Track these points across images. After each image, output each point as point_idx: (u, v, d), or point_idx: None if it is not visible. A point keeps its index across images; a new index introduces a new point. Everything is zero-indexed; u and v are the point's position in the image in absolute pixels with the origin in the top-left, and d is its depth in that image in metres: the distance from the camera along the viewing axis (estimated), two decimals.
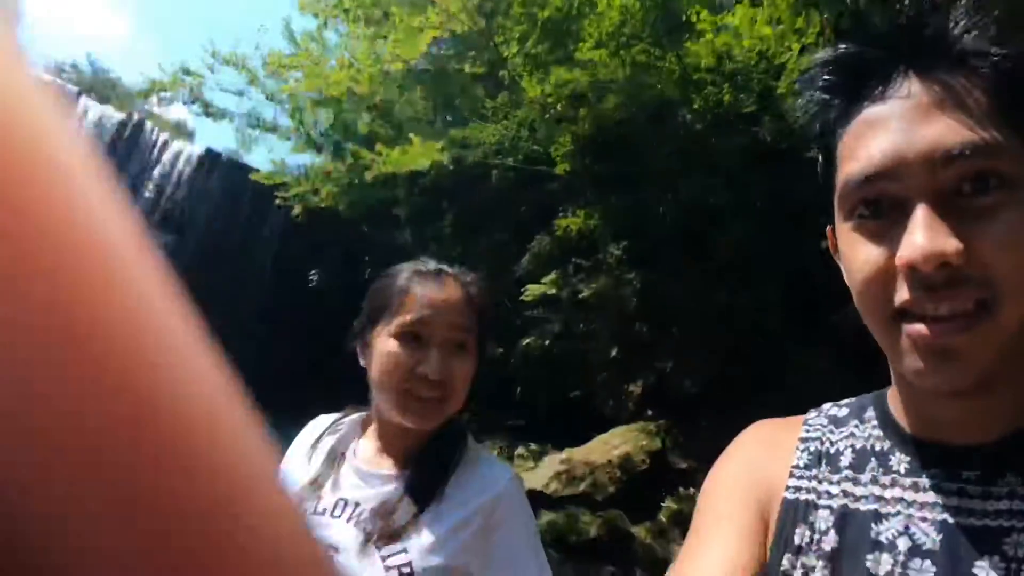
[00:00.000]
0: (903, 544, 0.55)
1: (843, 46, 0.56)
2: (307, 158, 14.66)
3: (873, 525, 0.57)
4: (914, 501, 0.56)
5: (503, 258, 10.36)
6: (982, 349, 0.49)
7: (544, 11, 6.52)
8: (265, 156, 17.26)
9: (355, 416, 1.10)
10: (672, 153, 6.90)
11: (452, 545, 0.92)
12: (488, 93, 9.92)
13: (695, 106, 6.57)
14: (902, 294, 0.50)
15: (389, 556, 0.90)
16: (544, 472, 6.69)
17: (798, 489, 0.63)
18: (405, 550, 0.90)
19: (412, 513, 0.93)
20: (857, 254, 0.53)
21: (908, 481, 0.57)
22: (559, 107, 7.49)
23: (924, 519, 0.55)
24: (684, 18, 6.18)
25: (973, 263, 0.48)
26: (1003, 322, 0.48)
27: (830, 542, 0.58)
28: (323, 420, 1.14)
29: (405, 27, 7.96)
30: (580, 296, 8.24)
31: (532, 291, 8.69)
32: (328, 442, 1.07)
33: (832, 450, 0.63)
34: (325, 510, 0.99)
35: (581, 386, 8.28)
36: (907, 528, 0.55)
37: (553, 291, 8.59)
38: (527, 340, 8.89)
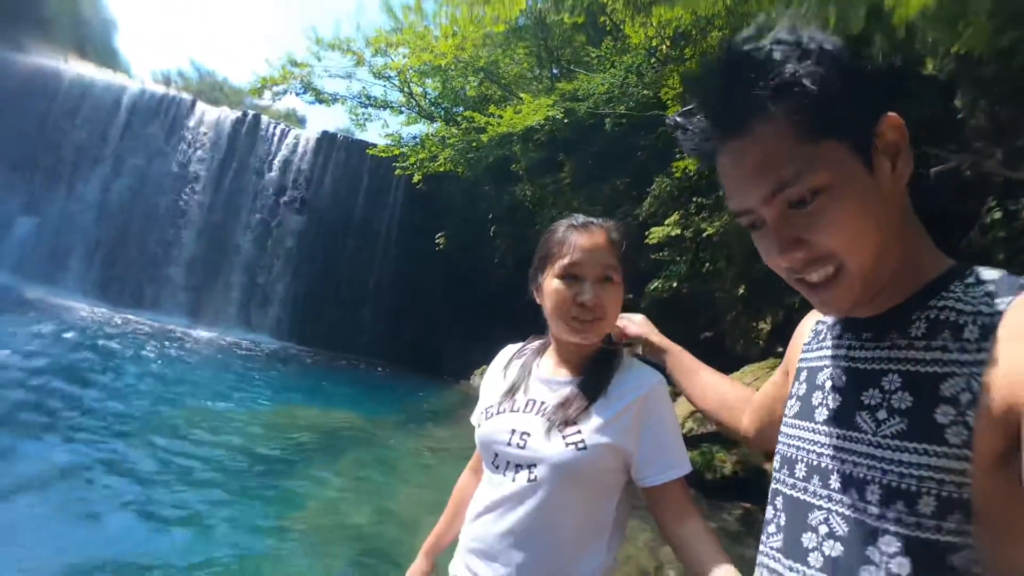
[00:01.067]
0: (827, 384, 0.79)
1: (687, 118, 0.74)
2: (421, 128, 15.68)
3: (819, 375, 0.82)
4: (835, 355, 0.79)
5: (624, 203, 10.67)
6: (848, 292, 0.70)
7: None
8: (379, 132, 18.57)
9: (535, 342, 1.43)
10: None
11: (613, 428, 1.19)
12: (589, 41, 10.16)
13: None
14: (789, 275, 0.74)
15: (567, 436, 1.19)
16: (679, 412, 7.20)
17: (803, 359, 0.89)
18: (580, 431, 1.18)
19: (584, 405, 1.21)
20: (761, 251, 0.76)
21: (834, 343, 0.81)
22: (664, 48, 7.63)
23: (839, 367, 0.78)
24: None
25: (818, 251, 0.68)
26: (853, 272, 0.69)
27: (802, 389, 0.85)
28: (511, 347, 1.48)
29: None
30: (704, 234, 8.36)
31: (655, 233, 8.93)
32: (517, 362, 1.40)
33: (820, 329, 0.89)
34: (519, 408, 1.30)
35: (711, 326, 8.46)
36: (831, 374, 0.79)
37: (676, 231, 8.76)
38: (654, 283, 9.12)
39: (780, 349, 7.21)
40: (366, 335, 16.76)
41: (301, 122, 39.21)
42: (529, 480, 1.23)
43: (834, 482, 0.74)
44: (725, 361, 7.47)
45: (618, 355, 1.31)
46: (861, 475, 0.71)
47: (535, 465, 1.23)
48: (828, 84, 0.65)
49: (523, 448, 1.25)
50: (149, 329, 13.90)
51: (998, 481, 0.61)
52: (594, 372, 1.27)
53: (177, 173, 17.42)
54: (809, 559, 0.75)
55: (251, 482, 5.26)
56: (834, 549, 0.72)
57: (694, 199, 8.90)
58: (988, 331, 0.64)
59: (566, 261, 1.24)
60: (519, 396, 1.34)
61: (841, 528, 0.72)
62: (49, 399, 6.62)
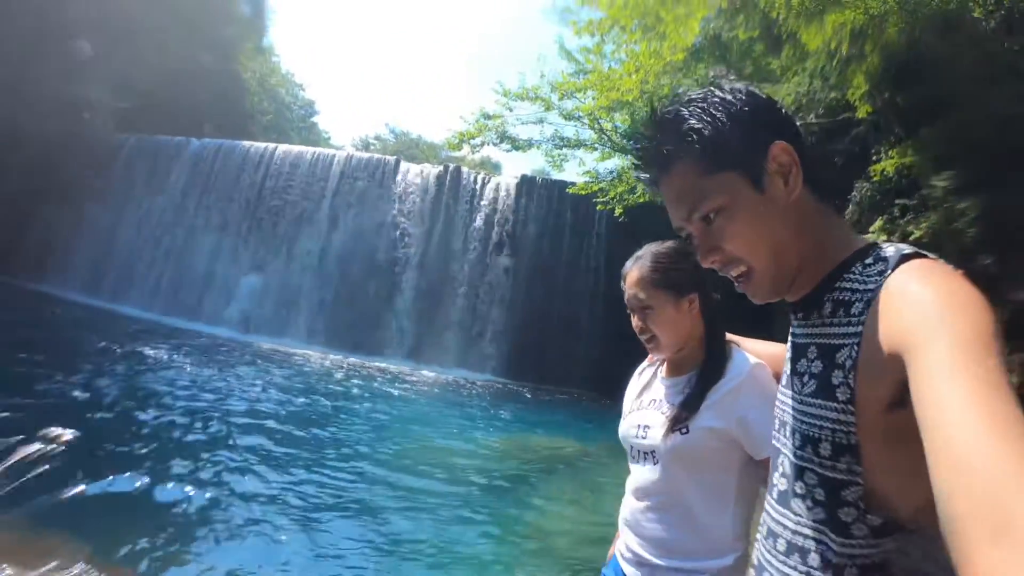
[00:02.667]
0: (789, 356, 1.04)
1: (634, 167, 1.06)
2: (615, 162, 16.63)
3: (787, 349, 1.08)
4: (790, 333, 1.04)
5: None
6: (759, 286, 0.96)
7: None
8: (576, 170, 20.08)
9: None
10: (971, 65, 6.91)
11: (713, 412, 1.53)
12: (768, 51, 10.52)
13: (976, 12, 6.58)
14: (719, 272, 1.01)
15: (675, 424, 1.56)
16: None
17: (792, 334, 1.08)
18: (685, 418, 1.55)
19: (686, 397, 1.59)
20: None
21: (790, 323, 1.04)
22: (843, 49, 7.92)
23: (790, 342, 1.03)
24: None
25: (726, 256, 0.95)
26: (761, 271, 0.94)
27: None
28: (642, 364, 1.92)
29: (674, 16, 9.24)
30: (912, 238, 8.16)
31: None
32: (648, 372, 1.84)
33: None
34: (644, 407, 1.72)
35: None
36: (789, 348, 1.04)
37: (883, 238, 8.52)
38: None
39: (1008, 350, 7.05)
40: (580, 367, 17.85)
41: (496, 168, 42.46)
42: (653, 463, 1.63)
43: (786, 432, 0.98)
44: None
45: (722, 350, 1.66)
46: (792, 425, 0.95)
47: (655, 451, 1.63)
48: (719, 130, 0.92)
49: (645, 439, 1.67)
50: (376, 372, 15.87)
51: (883, 426, 0.78)
52: (703, 369, 1.65)
53: (389, 226, 20.00)
54: (772, 492, 1.01)
55: (478, 505, 6.13)
56: (781, 483, 0.98)
57: (896, 202, 8.88)
58: (868, 305, 0.82)
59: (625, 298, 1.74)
60: (644, 397, 1.78)
61: (786, 468, 0.97)
62: (299, 437, 7.86)
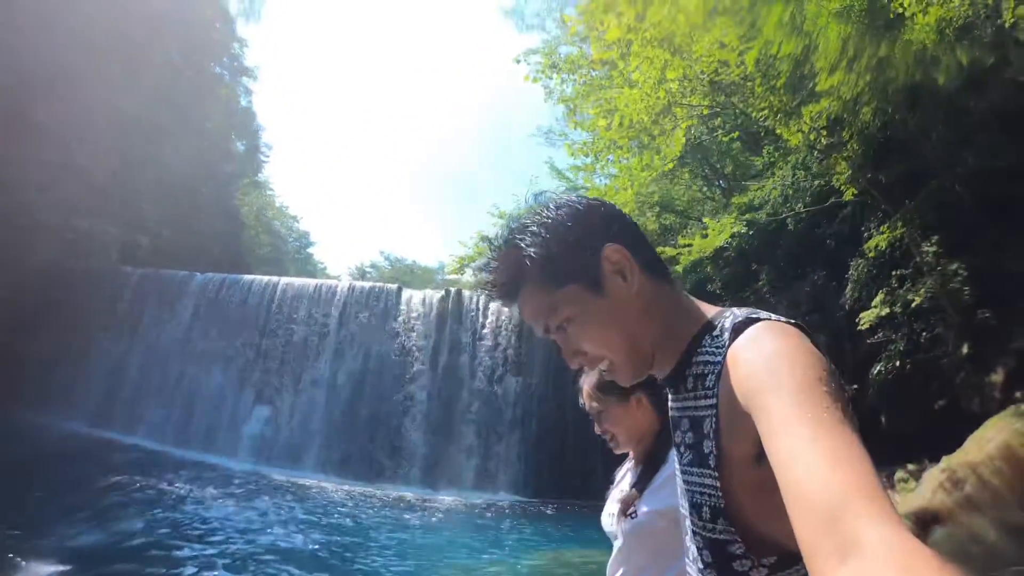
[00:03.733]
0: (672, 427, 1.10)
1: (488, 296, 1.13)
2: None
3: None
4: (669, 408, 1.12)
5: (826, 296, 11.43)
6: (623, 374, 1.06)
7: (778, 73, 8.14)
8: None
9: None
10: (942, 131, 7.73)
11: (661, 495, 1.70)
12: (747, 149, 11.58)
13: (941, 80, 7.33)
14: None
15: (629, 509, 1.77)
16: (927, 488, 7.04)
17: None
18: (635, 504, 1.76)
19: (640, 484, 1.80)
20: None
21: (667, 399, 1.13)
22: (823, 139, 8.82)
23: (670, 418, 1.11)
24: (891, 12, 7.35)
25: (589, 355, 1.05)
26: (619, 363, 1.04)
27: None
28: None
29: (660, 129, 10.23)
30: (913, 305, 8.85)
31: (866, 317, 9.56)
32: (627, 464, 2.06)
33: None
34: (613, 496, 1.95)
35: (943, 393, 8.75)
36: (671, 424, 1.11)
37: (886, 311, 9.31)
38: (876, 368, 9.63)
39: (1018, 395, 7.44)
40: (598, 478, 17.80)
41: None
42: (618, 545, 1.87)
43: (684, 500, 1.04)
44: (965, 424, 7.66)
45: (666, 439, 1.67)
46: (682, 491, 1.03)
47: (617, 535, 1.86)
48: (550, 250, 1.02)
49: (612, 525, 1.90)
50: (394, 500, 15.89)
51: (755, 480, 0.85)
52: (646, 459, 1.89)
53: (397, 354, 20.46)
54: (689, 554, 1.06)
55: None
56: (690, 549, 1.04)
57: (893, 273, 9.55)
58: (718, 376, 0.91)
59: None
60: (618, 487, 2.02)
61: (688, 531, 1.04)
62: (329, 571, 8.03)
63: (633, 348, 1.04)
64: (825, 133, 8.77)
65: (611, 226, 1.07)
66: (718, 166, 14.00)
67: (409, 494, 17.26)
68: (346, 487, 17.39)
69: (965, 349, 8.34)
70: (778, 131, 9.03)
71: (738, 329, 0.92)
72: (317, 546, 9.21)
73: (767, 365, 0.82)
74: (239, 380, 21.27)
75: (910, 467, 8.28)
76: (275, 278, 23.37)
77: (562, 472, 18.16)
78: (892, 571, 0.53)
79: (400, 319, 21.13)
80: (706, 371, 0.95)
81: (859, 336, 10.11)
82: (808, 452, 0.68)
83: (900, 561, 0.54)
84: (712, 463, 0.92)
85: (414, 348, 20.65)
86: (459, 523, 13.72)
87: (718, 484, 0.90)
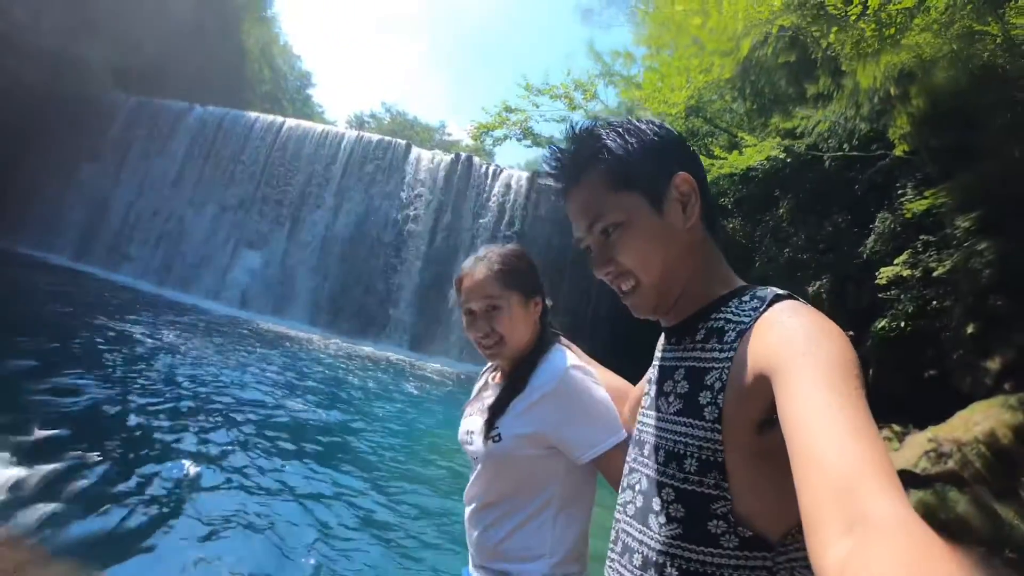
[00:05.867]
0: (653, 378, 1.16)
1: (544, 171, 1.18)
2: None
3: (652, 371, 1.20)
4: (658, 356, 1.17)
5: (846, 240, 11.73)
6: (644, 299, 1.09)
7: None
8: None
9: None
10: (1010, 119, 7.81)
11: (527, 418, 1.60)
12: (800, 81, 11.41)
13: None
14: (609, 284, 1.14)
15: (491, 431, 1.64)
16: (911, 452, 7.55)
17: (654, 360, 1.22)
18: (498, 426, 1.63)
19: (503, 404, 1.65)
20: (592, 268, 1.14)
21: (660, 347, 1.18)
22: (892, 89, 8.78)
23: (658, 364, 1.15)
24: None
25: (619, 268, 1.08)
26: (647, 286, 1.08)
27: (649, 383, 1.20)
28: (486, 366, 1.97)
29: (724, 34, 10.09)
30: (934, 274, 9.27)
31: (885, 273, 9.96)
32: (487, 375, 1.92)
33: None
34: (473, 412, 1.81)
35: (935, 364, 9.22)
36: (656, 370, 1.16)
37: (907, 271, 9.74)
38: (880, 322, 10.03)
39: (1007, 387, 7.89)
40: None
41: (490, 157, 43.54)
42: (477, 469, 1.73)
43: (646, 450, 1.08)
44: (948, 399, 8.21)
45: (538, 355, 1.71)
46: (655, 443, 1.05)
47: (478, 457, 1.71)
48: (630, 153, 1.07)
49: (471, 444, 1.75)
50: (381, 360, 16.44)
51: (751, 445, 0.89)
52: (513, 376, 1.70)
53: (396, 212, 20.69)
54: (628, 509, 1.10)
55: None
56: (637, 500, 1.07)
57: (920, 237, 9.87)
58: (741, 334, 0.94)
59: (461, 301, 1.77)
60: (476, 402, 1.84)
61: (644, 485, 1.06)
62: (315, 427, 8.01)
63: (666, 279, 1.07)
64: (894, 84, 8.72)
65: (688, 160, 1.11)
66: (761, 85, 13.76)
67: (397, 356, 17.94)
68: (333, 340, 18.00)
69: (970, 329, 8.76)
70: (855, 67, 8.92)
71: (774, 300, 0.96)
72: (308, 401, 9.33)
73: (805, 335, 0.84)
74: (231, 223, 21.38)
75: (895, 428, 8.71)
76: (279, 119, 23.06)
77: None
78: (898, 548, 0.55)
79: (406, 178, 21.16)
80: (726, 327, 0.98)
81: (867, 285, 10.50)
82: (830, 420, 0.70)
83: (907, 539, 0.56)
84: (710, 416, 0.94)
85: (415, 211, 20.86)
86: (444, 391, 14.04)
87: (718, 437, 0.92)
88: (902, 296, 9.94)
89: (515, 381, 1.68)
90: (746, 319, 0.95)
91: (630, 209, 1.06)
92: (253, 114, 23.25)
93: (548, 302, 1.84)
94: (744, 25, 9.74)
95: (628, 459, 1.18)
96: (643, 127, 1.10)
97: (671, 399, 1.04)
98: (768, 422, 0.83)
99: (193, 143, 22.38)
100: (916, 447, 7.62)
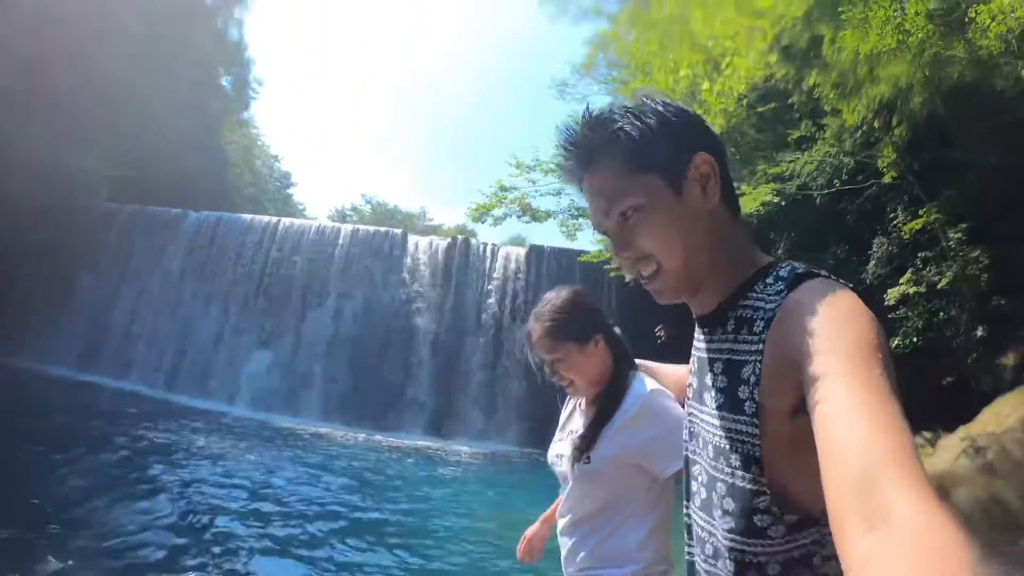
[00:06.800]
0: (694, 370, 1.19)
1: (560, 158, 1.15)
2: None
3: (692, 363, 1.22)
4: (695, 347, 1.19)
5: (846, 270, 12.17)
6: (666, 284, 1.07)
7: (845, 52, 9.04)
8: (589, 239, 21.44)
9: None
10: (984, 130, 8.74)
11: (615, 441, 1.81)
12: (777, 127, 12.47)
13: (999, 86, 8.49)
14: (629, 272, 1.13)
15: (580, 453, 1.85)
16: (947, 455, 7.96)
17: (692, 350, 1.24)
18: (588, 448, 1.84)
19: (592, 428, 1.88)
20: (612, 253, 1.31)
21: (696, 338, 1.19)
22: (876, 122, 9.79)
23: (695, 356, 1.18)
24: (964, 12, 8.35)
25: (639, 252, 1.06)
26: (667, 269, 1.06)
27: (691, 375, 1.22)
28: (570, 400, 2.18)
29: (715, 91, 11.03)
30: (938, 287, 10.06)
31: (892, 294, 10.74)
32: (573, 402, 2.13)
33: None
34: (563, 437, 2.06)
35: (952, 371, 9.89)
36: (695, 361, 1.18)
37: (912, 289, 10.50)
38: (894, 341, 10.54)
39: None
40: None
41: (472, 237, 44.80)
42: (568, 487, 1.95)
43: (701, 443, 1.12)
44: (972, 400, 8.85)
45: (620, 385, 1.92)
46: (707, 437, 1.08)
47: (568, 478, 1.93)
48: (646, 134, 1.06)
49: (560, 466, 1.98)
50: (404, 448, 16.60)
51: (788, 433, 0.90)
52: (600, 404, 1.92)
53: (401, 301, 21.11)
54: (695, 500, 1.15)
55: None
56: (701, 492, 1.11)
57: (919, 254, 10.70)
58: (768, 323, 0.94)
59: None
60: (566, 428, 2.10)
61: (703, 477, 1.10)
62: (359, 520, 8.16)
63: (688, 261, 1.05)
64: (873, 116, 9.70)
65: (706, 139, 1.11)
66: (739, 138, 14.79)
67: (418, 443, 18.09)
68: (351, 434, 18.10)
69: (980, 332, 9.53)
70: (838, 106, 9.89)
71: (796, 281, 0.95)
72: (330, 497, 9.31)
73: (828, 320, 0.84)
74: (236, 324, 21.66)
75: (926, 435, 9.17)
76: (273, 218, 23.82)
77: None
78: (919, 546, 0.56)
79: (406, 266, 21.69)
80: (754, 316, 0.98)
81: (875, 309, 11.01)
82: (852, 413, 0.71)
83: (928, 536, 0.56)
84: (748, 410, 0.95)
85: (419, 297, 21.31)
86: (468, 473, 14.29)
87: (756, 432, 0.94)
88: (910, 313, 10.63)
89: (601, 411, 1.89)
90: (771, 305, 0.96)
91: (649, 192, 1.05)
92: (247, 216, 24.00)
93: (616, 330, 2.04)
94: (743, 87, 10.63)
95: (686, 450, 1.21)
96: (659, 108, 1.10)
97: (713, 393, 1.07)
98: (802, 408, 0.83)
99: (191, 247, 22.77)
100: (951, 448, 8.02)
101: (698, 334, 1.17)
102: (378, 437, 18.24)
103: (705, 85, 10.37)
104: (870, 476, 0.64)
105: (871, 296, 10.55)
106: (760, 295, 1.00)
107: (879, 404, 0.71)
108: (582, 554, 1.90)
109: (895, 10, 8.30)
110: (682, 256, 1.05)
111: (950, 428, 8.59)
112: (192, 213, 23.67)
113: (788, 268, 1.00)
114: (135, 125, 26.51)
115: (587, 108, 1.15)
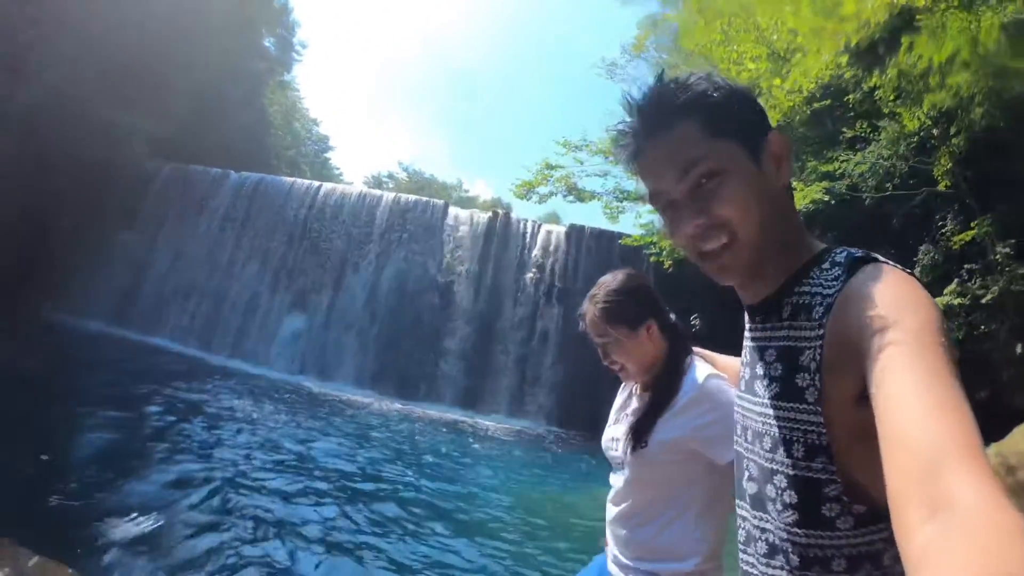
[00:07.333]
0: (745, 360, 1.18)
1: (625, 119, 1.11)
2: None
3: (742, 354, 1.23)
4: (746, 337, 1.17)
5: None
6: (738, 257, 1.04)
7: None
8: (632, 223, 21.41)
9: None
10: None
11: (671, 426, 1.82)
12: (842, 124, 12.44)
13: None
14: (693, 247, 1.09)
15: (636, 441, 1.86)
16: None
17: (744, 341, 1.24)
18: (644, 433, 1.85)
19: (647, 413, 1.89)
20: (670, 229, 1.11)
21: (747, 327, 1.18)
22: (934, 130, 9.86)
23: (747, 346, 1.17)
24: None
25: (715, 219, 1.02)
26: (745, 240, 1.02)
27: (742, 366, 1.22)
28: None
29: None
30: (982, 301, 10.18)
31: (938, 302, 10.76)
32: (629, 387, 2.15)
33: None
34: (617, 421, 2.07)
35: (987, 385, 9.98)
36: (746, 352, 1.18)
37: (956, 301, 10.59)
38: None
39: None
40: None
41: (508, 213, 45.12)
42: (622, 473, 1.95)
43: (751, 436, 1.11)
44: (1007, 417, 8.73)
45: (677, 370, 1.93)
46: (760, 429, 1.07)
47: (622, 463, 1.94)
48: (731, 101, 1.05)
49: (615, 451, 1.98)
50: (435, 420, 16.91)
51: (853, 421, 0.88)
52: (656, 389, 1.93)
53: (440, 272, 21.41)
54: (744, 497, 1.13)
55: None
56: (751, 487, 1.10)
57: (965, 266, 10.80)
58: (828, 309, 0.94)
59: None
60: (621, 412, 2.10)
61: (754, 471, 1.09)
62: (397, 491, 8.33)
63: (762, 235, 1.04)
64: (934, 125, 9.75)
65: (771, 121, 1.11)
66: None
67: (448, 415, 18.34)
68: (384, 403, 18.37)
69: (1019, 349, 9.71)
70: (897, 110, 9.93)
71: (855, 265, 0.94)
72: (369, 469, 9.42)
73: (890, 305, 0.84)
74: (273, 287, 21.99)
75: None
76: (315, 183, 24.08)
77: (596, 408, 19.09)
78: (983, 531, 0.56)
79: (446, 237, 21.95)
80: (813, 302, 0.97)
81: None
82: (916, 398, 0.71)
83: (992, 522, 0.56)
84: (811, 398, 0.94)
85: (457, 268, 21.57)
86: (501, 450, 14.45)
87: (820, 420, 0.93)
88: (951, 324, 10.69)
89: (658, 396, 1.89)
90: (830, 290, 0.95)
91: (729, 157, 1.03)
92: (289, 179, 24.30)
93: (672, 316, 2.05)
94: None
95: (736, 445, 1.20)
96: (733, 82, 1.10)
97: (766, 382, 1.06)
98: (865, 395, 0.82)
99: (231, 208, 23.15)
100: None
101: (749, 324, 1.17)
102: (410, 407, 18.51)
103: (777, 82, 10.31)
104: (933, 461, 0.64)
105: None
106: (818, 281, 0.99)
107: (943, 388, 0.71)
108: (636, 544, 1.90)
109: (971, 21, 8.29)
110: (758, 227, 1.03)
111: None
112: (233, 173, 24.05)
113: (844, 253, 1.00)
114: (179, 84, 26.74)
115: (660, 71, 1.15)
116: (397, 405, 18.51)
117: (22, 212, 21.13)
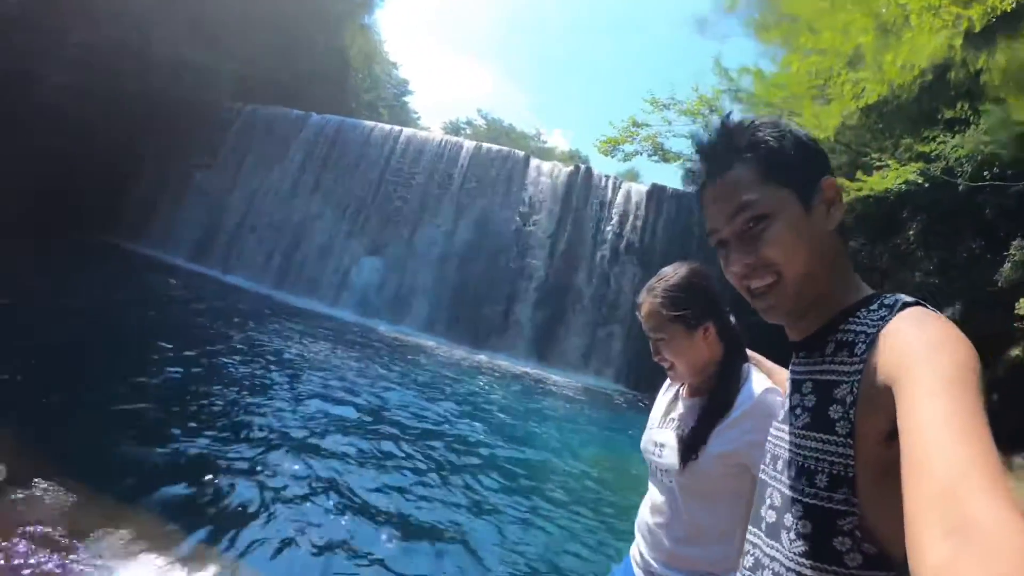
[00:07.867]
0: (785, 394, 1.21)
1: (695, 151, 1.20)
2: None
3: (784, 385, 1.31)
4: (790, 370, 1.20)
5: (979, 267, 12.27)
6: (783, 297, 1.09)
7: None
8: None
9: None
10: None
11: (724, 438, 1.76)
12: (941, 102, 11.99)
13: None
14: (742, 285, 1.14)
15: (688, 453, 1.80)
16: None
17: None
18: (695, 443, 1.79)
19: (699, 421, 1.83)
20: (723, 264, 1.17)
21: (790, 361, 1.21)
22: None
23: (789, 379, 1.19)
24: None
25: (761, 260, 1.08)
26: (787, 281, 1.07)
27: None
28: (668, 381, 2.14)
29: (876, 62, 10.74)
30: None
31: (1022, 306, 10.27)
32: (671, 391, 2.10)
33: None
34: (664, 425, 2.00)
35: None
36: (788, 384, 1.19)
37: None
38: (1015, 351, 10.62)
39: None
40: None
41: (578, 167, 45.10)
42: (668, 483, 1.89)
43: (779, 465, 1.13)
44: None
45: (734, 379, 1.88)
46: (787, 457, 1.10)
47: (668, 471, 1.87)
48: (785, 148, 1.11)
49: (660, 458, 1.92)
50: (501, 370, 17.20)
51: (881, 458, 0.90)
52: (711, 398, 1.87)
53: (518, 223, 21.64)
54: (760, 524, 1.16)
55: None
56: (770, 515, 1.12)
57: None
58: (870, 345, 0.96)
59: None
60: (666, 415, 2.04)
61: (777, 500, 1.11)
62: (458, 439, 8.51)
63: (808, 277, 1.08)
64: None
65: (829, 168, 1.16)
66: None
67: (518, 367, 18.67)
68: (453, 350, 18.70)
69: None
70: (1005, 96, 9.71)
71: (899, 308, 0.98)
72: (438, 422, 9.48)
73: (926, 343, 0.87)
74: (349, 229, 22.41)
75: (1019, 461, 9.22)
76: (396, 127, 24.36)
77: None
78: (999, 554, 0.56)
79: (526, 189, 22.11)
80: (856, 339, 1.01)
81: (998, 313, 10.96)
82: (940, 425, 0.72)
83: (1009, 544, 0.56)
84: (842, 430, 0.96)
85: (535, 220, 21.72)
86: (571, 408, 14.59)
87: (850, 452, 0.95)
88: None
89: (714, 406, 1.84)
90: (874, 328, 0.98)
91: (780, 202, 1.09)
92: (369, 123, 24.71)
93: (732, 319, 1.99)
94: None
95: (761, 473, 1.23)
96: (795, 128, 1.15)
97: (799, 412, 1.09)
98: (894, 433, 0.82)
99: (311, 150, 23.63)
100: None
101: (793, 360, 1.19)
102: (480, 356, 18.88)
103: (888, 57, 10.01)
104: (952, 484, 0.65)
105: (1001, 299, 10.88)
106: (863, 320, 1.02)
107: (968, 419, 0.72)
108: (673, 553, 1.87)
109: None
110: (804, 268, 1.07)
111: None
112: (314, 115, 24.46)
113: (894, 298, 1.02)
114: (261, 24, 27.32)
115: (728, 114, 1.20)
116: (468, 353, 18.81)
117: (108, 149, 22.14)
